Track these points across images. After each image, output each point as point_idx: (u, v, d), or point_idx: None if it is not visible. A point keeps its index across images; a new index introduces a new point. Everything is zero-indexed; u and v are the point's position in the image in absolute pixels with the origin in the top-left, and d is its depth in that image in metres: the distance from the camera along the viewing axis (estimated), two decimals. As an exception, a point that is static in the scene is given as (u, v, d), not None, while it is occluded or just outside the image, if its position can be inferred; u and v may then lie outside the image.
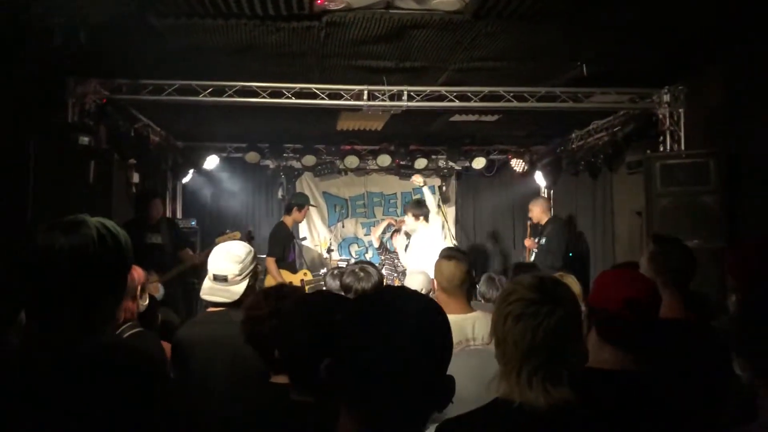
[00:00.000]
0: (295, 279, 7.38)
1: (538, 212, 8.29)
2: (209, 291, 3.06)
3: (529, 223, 8.61)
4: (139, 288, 3.00)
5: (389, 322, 1.18)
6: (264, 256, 8.73)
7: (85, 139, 5.85)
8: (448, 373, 1.23)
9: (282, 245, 7.57)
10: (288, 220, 7.84)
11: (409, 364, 1.15)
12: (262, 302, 2.24)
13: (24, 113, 5.54)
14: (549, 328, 1.71)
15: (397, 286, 1.37)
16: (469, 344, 2.98)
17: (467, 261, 3.42)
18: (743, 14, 4.65)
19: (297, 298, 2.13)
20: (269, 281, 7.18)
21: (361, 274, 3.77)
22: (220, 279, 3.02)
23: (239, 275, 3.03)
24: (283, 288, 2.35)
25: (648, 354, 2.17)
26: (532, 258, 8.06)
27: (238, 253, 3.07)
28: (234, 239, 7.48)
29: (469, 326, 2.98)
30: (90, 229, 1.54)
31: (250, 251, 3.14)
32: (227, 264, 3.03)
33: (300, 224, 8.89)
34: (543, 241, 7.92)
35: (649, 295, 2.23)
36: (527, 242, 8.46)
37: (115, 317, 1.63)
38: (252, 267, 3.11)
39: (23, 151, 5.44)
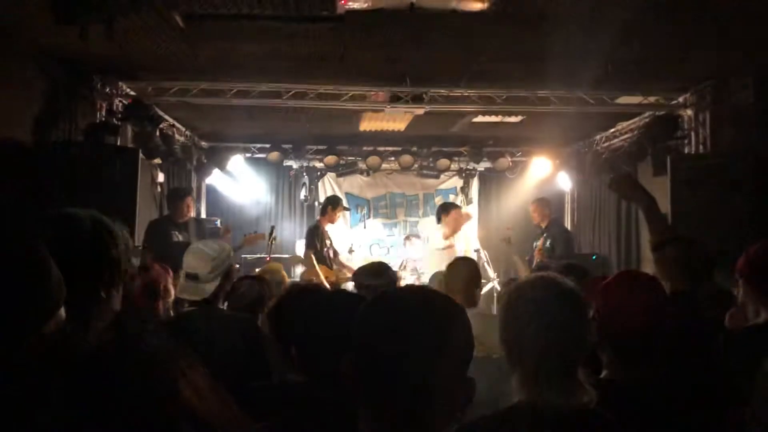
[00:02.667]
0: (331, 275, 7.47)
1: (538, 214, 7.93)
2: (181, 289, 3.10)
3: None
4: (162, 287, 3.03)
5: (408, 322, 1.17)
6: (286, 255, 8.80)
7: (111, 139, 5.94)
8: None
9: (320, 241, 7.65)
10: (323, 221, 7.92)
11: (428, 364, 1.14)
12: (284, 298, 2.26)
13: (51, 111, 5.66)
14: (561, 325, 1.70)
15: (418, 286, 1.37)
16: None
17: (474, 262, 3.45)
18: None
19: (320, 295, 2.14)
20: (309, 274, 7.23)
21: (375, 273, 3.78)
22: (191, 277, 3.04)
23: (210, 273, 3.03)
24: (306, 285, 2.37)
25: (665, 364, 2.14)
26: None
27: (209, 252, 3.08)
28: (260, 240, 7.58)
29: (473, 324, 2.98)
30: (81, 221, 1.53)
31: (224, 250, 3.14)
32: (198, 262, 3.04)
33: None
34: (547, 244, 7.56)
35: (661, 306, 2.19)
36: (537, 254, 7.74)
37: (113, 311, 1.60)
38: (225, 266, 3.10)
39: (51, 149, 5.55)
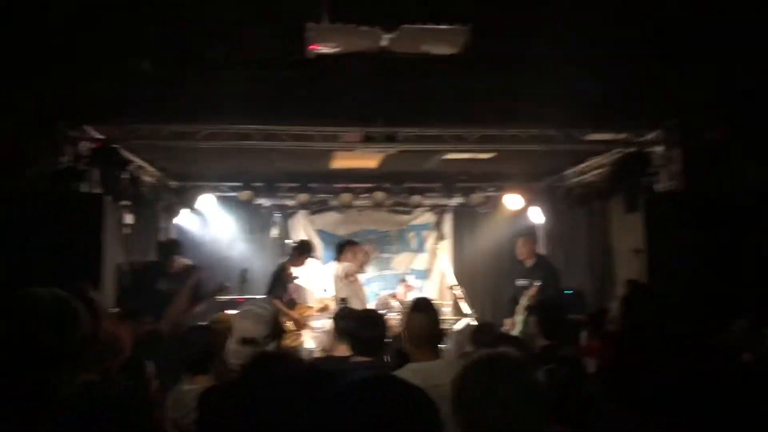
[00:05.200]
0: (299, 312, 7.72)
1: (525, 250, 7.84)
2: (239, 355, 2.94)
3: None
4: (120, 343, 2.91)
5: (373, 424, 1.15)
6: (261, 296, 8.71)
7: (76, 185, 5.81)
8: None
9: (282, 285, 7.80)
10: (289, 264, 8.06)
11: None
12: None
13: (15, 156, 5.52)
14: (512, 407, 1.69)
15: (382, 378, 1.32)
16: (437, 389, 2.92)
17: (435, 312, 3.37)
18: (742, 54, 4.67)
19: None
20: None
21: (368, 322, 3.71)
22: (249, 342, 2.96)
23: (267, 336, 2.99)
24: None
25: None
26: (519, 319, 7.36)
27: (264, 314, 3.07)
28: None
29: (435, 373, 2.91)
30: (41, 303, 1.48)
31: (276, 311, 3.26)
32: (256, 326, 2.99)
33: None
34: (537, 289, 7.29)
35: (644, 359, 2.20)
36: (508, 323, 7.51)
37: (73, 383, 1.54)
38: (278, 326, 3.12)
39: (14, 196, 5.41)
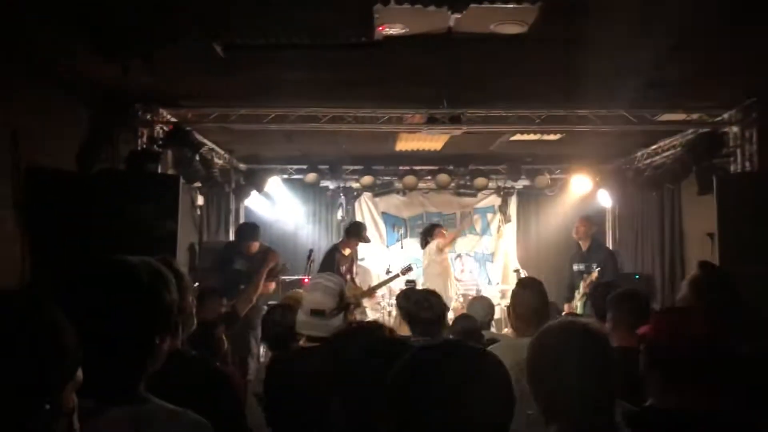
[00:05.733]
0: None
1: (585, 230, 7.71)
2: (307, 326, 3.06)
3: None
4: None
5: (447, 386, 1.18)
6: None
7: (152, 166, 6.04)
8: None
9: (332, 267, 7.66)
10: (343, 245, 8.10)
11: (470, 426, 1.15)
12: None
13: (94, 140, 5.77)
14: (592, 373, 1.67)
15: (455, 342, 1.36)
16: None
17: (543, 290, 3.36)
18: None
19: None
20: None
21: (425, 304, 3.75)
22: (317, 313, 3.02)
23: (336, 309, 3.03)
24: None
25: (718, 391, 2.08)
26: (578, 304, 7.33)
27: (334, 287, 3.09)
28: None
29: None
30: (134, 269, 1.53)
31: (343, 284, 3.18)
32: (325, 297, 3.04)
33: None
34: (596, 273, 7.12)
35: (713, 332, 2.15)
36: (566, 308, 7.38)
37: (164, 355, 1.60)
38: (345, 301, 3.13)
39: (94, 177, 5.66)
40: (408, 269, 7.99)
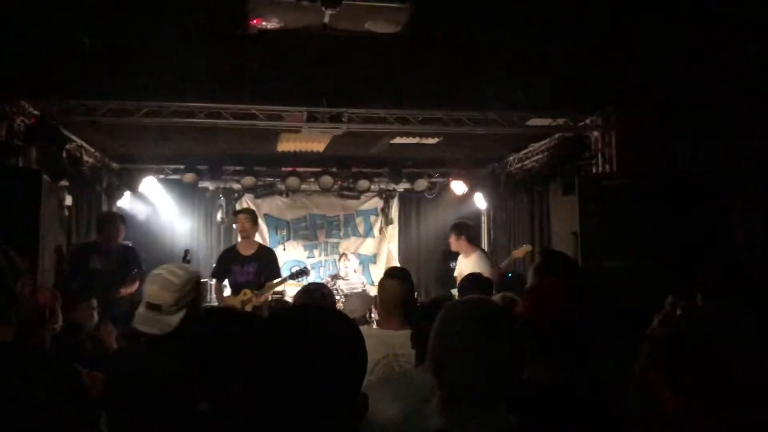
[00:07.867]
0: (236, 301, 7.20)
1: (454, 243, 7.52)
2: (142, 320, 2.69)
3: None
4: (47, 312, 2.83)
5: (299, 342, 1.18)
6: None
7: (12, 160, 5.66)
8: (373, 395, 1.23)
9: (222, 266, 7.34)
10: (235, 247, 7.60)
11: (318, 381, 1.15)
12: None
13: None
14: (491, 366, 1.66)
15: (312, 306, 1.37)
16: (397, 359, 2.99)
17: (410, 281, 3.44)
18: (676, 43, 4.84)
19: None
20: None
21: (317, 295, 3.76)
22: (152, 307, 2.67)
23: (174, 305, 2.66)
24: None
25: (586, 366, 2.18)
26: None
27: (174, 281, 2.70)
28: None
29: (398, 342, 2.98)
30: None
31: (191, 278, 2.76)
32: (162, 292, 2.68)
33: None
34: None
35: (585, 306, 2.25)
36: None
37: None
38: (191, 296, 2.73)
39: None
40: (303, 272, 7.47)
